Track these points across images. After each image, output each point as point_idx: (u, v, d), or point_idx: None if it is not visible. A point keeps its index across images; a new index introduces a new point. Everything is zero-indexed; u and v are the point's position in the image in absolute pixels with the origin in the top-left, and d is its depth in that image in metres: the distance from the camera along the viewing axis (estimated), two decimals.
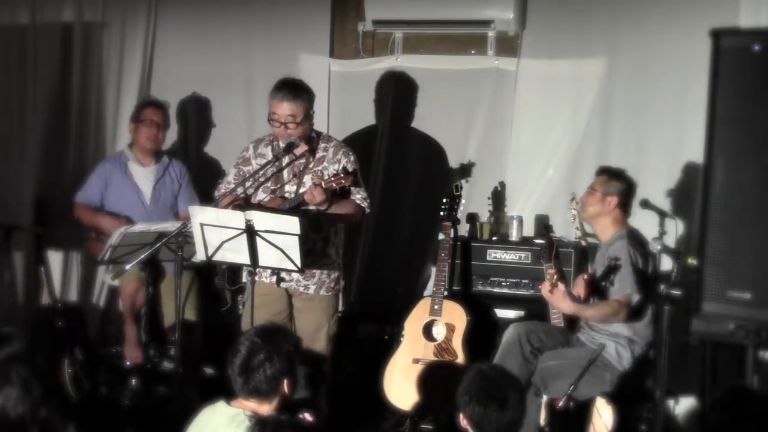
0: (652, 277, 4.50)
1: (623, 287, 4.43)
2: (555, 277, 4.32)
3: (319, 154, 4.70)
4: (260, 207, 4.53)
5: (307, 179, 4.64)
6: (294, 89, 4.61)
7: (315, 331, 4.73)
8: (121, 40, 6.48)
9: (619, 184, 4.70)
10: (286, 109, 4.56)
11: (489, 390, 3.21)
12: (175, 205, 5.53)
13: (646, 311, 4.51)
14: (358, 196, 4.67)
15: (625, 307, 4.41)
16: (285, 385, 3.26)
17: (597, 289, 4.57)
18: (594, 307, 4.51)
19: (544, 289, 4.34)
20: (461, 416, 3.25)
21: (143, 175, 5.49)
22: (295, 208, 4.45)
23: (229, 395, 3.31)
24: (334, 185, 4.40)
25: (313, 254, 4.62)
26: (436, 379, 4.88)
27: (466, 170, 5.80)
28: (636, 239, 4.57)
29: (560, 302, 4.36)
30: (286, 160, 4.66)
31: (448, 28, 5.96)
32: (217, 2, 6.44)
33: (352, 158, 4.71)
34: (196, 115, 6.45)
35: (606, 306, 4.46)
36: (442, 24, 5.93)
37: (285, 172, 4.71)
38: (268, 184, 4.69)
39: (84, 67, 6.40)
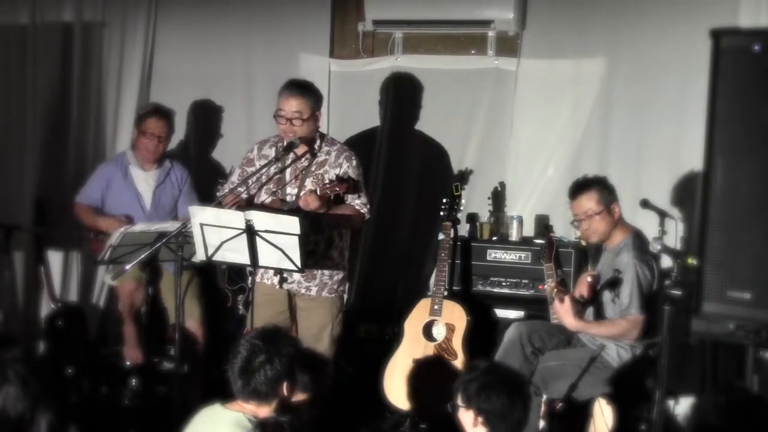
0: (658, 290, 4.46)
1: (630, 306, 4.42)
2: (554, 290, 4.33)
3: (322, 157, 4.70)
4: (260, 207, 4.53)
5: (309, 182, 4.64)
6: (302, 87, 4.67)
7: (319, 332, 4.74)
8: (121, 40, 6.47)
9: (609, 189, 4.62)
10: (293, 105, 4.58)
11: (506, 381, 3.20)
12: (175, 209, 5.52)
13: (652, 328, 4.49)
14: (358, 201, 4.66)
15: (635, 327, 4.41)
16: (284, 388, 3.25)
17: (598, 297, 4.56)
18: (600, 326, 4.50)
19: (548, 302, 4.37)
20: (473, 416, 3.17)
21: (144, 180, 5.48)
22: (293, 212, 4.45)
23: (225, 395, 3.30)
24: (328, 192, 4.41)
25: (315, 255, 4.62)
26: (436, 379, 4.88)
27: (462, 177, 5.79)
28: (643, 250, 4.49)
29: (565, 317, 4.36)
30: (288, 160, 4.66)
31: (448, 28, 5.96)
32: (217, 2, 6.44)
33: (354, 163, 4.70)
34: (198, 116, 6.45)
35: (613, 326, 4.45)
36: (442, 24, 5.92)
37: (287, 174, 4.71)
38: (270, 185, 4.69)
39: (84, 67, 6.40)
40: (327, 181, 4.49)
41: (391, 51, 6.16)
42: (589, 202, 4.57)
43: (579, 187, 4.64)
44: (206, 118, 6.45)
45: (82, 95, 6.41)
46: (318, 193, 4.39)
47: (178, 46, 6.49)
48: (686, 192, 5.33)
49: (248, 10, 6.36)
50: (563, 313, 4.35)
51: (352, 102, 6.22)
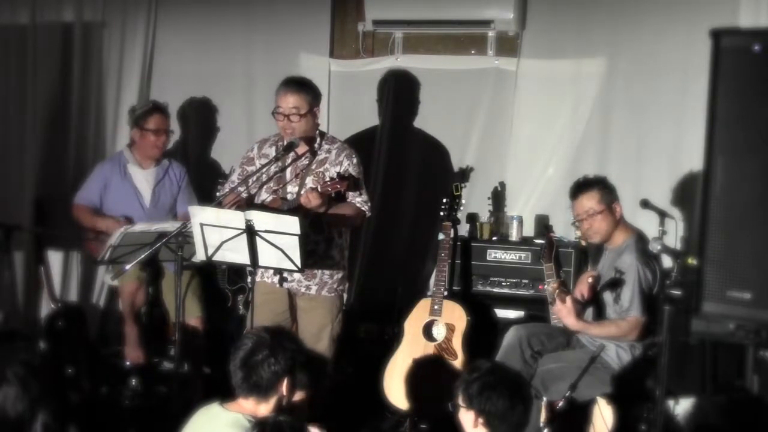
0: (659, 293, 4.45)
1: (631, 308, 4.41)
2: (557, 291, 4.32)
3: (322, 155, 4.70)
4: (261, 207, 4.53)
5: (309, 180, 4.64)
6: (298, 83, 4.68)
7: (318, 331, 4.74)
8: (121, 40, 6.48)
9: (610, 188, 4.62)
10: (290, 101, 4.59)
11: (509, 382, 3.19)
12: (174, 206, 5.52)
13: (652, 329, 4.49)
14: (359, 199, 4.67)
15: (635, 328, 4.40)
16: (284, 385, 3.25)
17: (597, 298, 4.56)
18: (600, 327, 4.50)
19: (549, 302, 4.37)
20: (473, 416, 3.16)
21: (143, 178, 5.48)
22: (294, 210, 4.46)
23: (225, 396, 3.30)
24: (329, 190, 4.41)
25: (315, 255, 4.62)
26: (436, 379, 4.88)
27: (464, 175, 5.79)
28: (645, 252, 4.47)
29: (566, 318, 4.36)
30: (288, 160, 4.66)
31: (448, 28, 5.96)
32: (217, 2, 6.44)
33: (354, 161, 4.70)
34: (197, 116, 6.45)
35: (613, 326, 4.45)
36: (442, 24, 5.92)
37: (287, 173, 4.71)
38: (271, 184, 4.70)
39: (84, 67, 6.40)
40: (328, 179, 4.49)
41: (391, 51, 6.16)
42: (590, 201, 4.57)
43: (580, 187, 4.64)
44: (204, 117, 6.45)
45: (82, 95, 6.41)
46: (319, 190, 4.39)
47: (178, 46, 6.50)
48: (686, 192, 5.33)
49: (248, 10, 6.36)
50: (565, 313, 4.35)
51: (352, 102, 6.22)
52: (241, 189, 4.69)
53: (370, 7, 5.94)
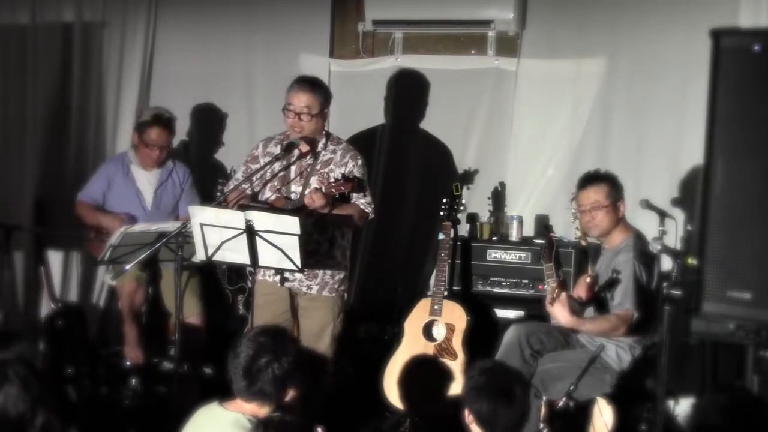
0: (656, 291, 4.44)
1: (624, 302, 4.41)
2: (556, 291, 4.32)
3: (327, 156, 4.70)
4: (261, 207, 4.54)
5: (314, 180, 4.64)
6: (312, 83, 4.70)
7: (320, 330, 4.75)
8: (121, 40, 6.48)
9: (618, 186, 4.63)
10: (302, 100, 4.60)
11: (497, 385, 3.21)
12: (176, 208, 5.52)
13: (649, 327, 4.49)
14: (362, 200, 4.67)
15: (625, 323, 4.40)
16: (289, 389, 3.23)
17: (597, 297, 4.56)
18: (592, 322, 4.50)
19: (547, 301, 4.35)
20: (467, 413, 3.23)
21: (145, 179, 5.48)
22: (297, 210, 4.46)
23: (224, 395, 3.29)
24: (333, 191, 4.41)
25: (317, 255, 4.63)
26: (435, 379, 4.88)
27: (466, 177, 5.79)
28: (643, 251, 4.48)
29: (559, 315, 4.35)
30: (293, 157, 4.66)
31: (448, 28, 5.96)
32: (217, 2, 6.44)
33: (359, 162, 4.71)
34: (197, 116, 6.45)
35: (605, 321, 4.45)
36: (442, 24, 5.93)
37: (291, 171, 4.71)
38: (275, 182, 4.70)
39: (84, 67, 6.40)
40: (332, 180, 4.50)
41: (391, 51, 6.16)
42: (597, 194, 4.58)
43: (590, 179, 4.66)
44: (204, 117, 6.44)
45: (82, 95, 6.41)
46: (323, 191, 4.40)
47: (178, 46, 6.50)
48: (686, 192, 5.34)
49: (248, 10, 6.36)
50: (558, 308, 4.33)
51: (352, 102, 6.20)
52: (244, 186, 4.70)
53: (370, 7, 5.95)
